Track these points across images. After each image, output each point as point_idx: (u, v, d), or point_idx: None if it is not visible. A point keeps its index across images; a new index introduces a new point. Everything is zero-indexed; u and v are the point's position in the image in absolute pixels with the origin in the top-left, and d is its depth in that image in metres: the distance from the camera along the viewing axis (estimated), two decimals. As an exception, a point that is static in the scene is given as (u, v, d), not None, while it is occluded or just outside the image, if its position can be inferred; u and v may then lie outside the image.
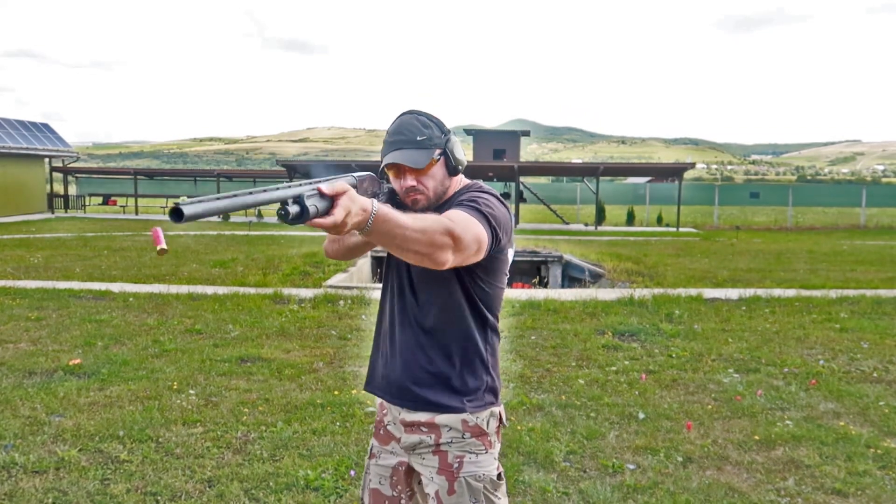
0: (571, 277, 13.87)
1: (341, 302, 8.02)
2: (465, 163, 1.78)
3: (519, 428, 4.11)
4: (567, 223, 25.59)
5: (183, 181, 32.33)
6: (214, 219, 26.12)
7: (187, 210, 1.06)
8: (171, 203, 30.13)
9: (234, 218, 26.42)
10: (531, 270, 14.34)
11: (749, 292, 8.72)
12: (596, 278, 12.34)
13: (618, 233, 21.42)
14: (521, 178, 25.67)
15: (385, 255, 1.86)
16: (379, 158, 1.81)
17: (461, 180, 1.81)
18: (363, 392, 1.90)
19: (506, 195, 23.57)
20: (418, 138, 1.69)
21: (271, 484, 3.34)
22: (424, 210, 1.70)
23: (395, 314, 1.81)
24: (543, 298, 8.18)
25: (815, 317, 7.44)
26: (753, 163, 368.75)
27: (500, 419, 1.83)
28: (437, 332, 1.74)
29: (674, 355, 5.81)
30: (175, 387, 4.83)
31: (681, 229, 22.86)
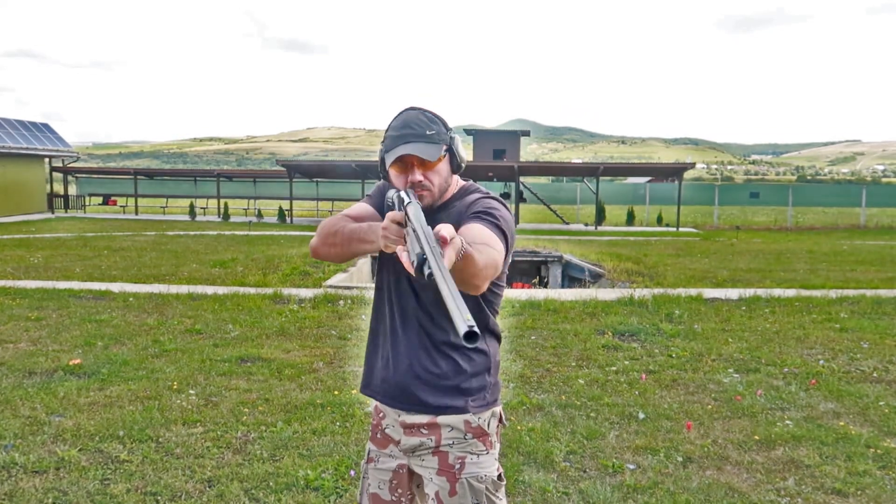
0: (571, 277, 13.87)
1: (341, 302, 8.02)
2: (466, 162, 1.78)
3: (519, 428, 4.10)
4: (567, 223, 25.59)
5: (183, 181, 32.32)
6: (215, 218, 26.13)
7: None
8: (170, 203, 30.14)
9: (233, 218, 26.43)
10: (531, 270, 14.33)
11: (749, 292, 8.72)
12: (596, 278, 12.35)
13: (618, 233, 21.41)
14: (521, 178, 25.67)
15: (379, 254, 1.82)
16: (378, 158, 1.80)
17: (458, 180, 1.81)
18: (361, 394, 1.87)
19: (506, 195, 23.58)
20: (427, 133, 1.67)
21: (271, 484, 3.34)
22: (428, 207, 1.69)
23: (395, 316, 1.77)
24: (543, 298, 8.18)
25: (815, 317, 7.44)
26: (753, 163, 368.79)
27: (500, 419, 1.82)
28: (442, 333, 1.73)
29: (674, 355, 5.81)
30: (175, 387, 4.83)
31: (681, 229, 22.87)
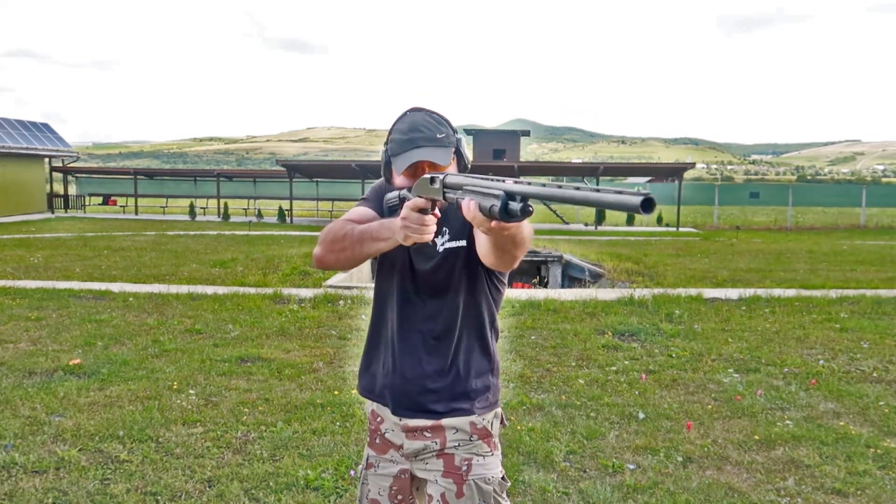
0: (571, 277, 13.87)
1: (341, 302, 8.02)
2: (470, 162, 1.77)
3: (519, 428, 4.10)
4: (567, 223, 25.61)
5: (183, 181, 32.30)
6: (215, 218, 26.13)
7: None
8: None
9: (233, 218, 26.43)
10: (531, 270, 14.32)
11: (749, 292, 8.72)
12: (596, 278, 12.34)
13: (618, 233, 21.41)
14: (522, 178, 25.65)
15: (379, 257, 1.80)
16: (379, 159, 1.77)
17: None
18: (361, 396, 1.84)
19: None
20: (437, 136, 1.65)
21: (271, 484, 3.34)
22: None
23: (398, 321, 1.74)
24: (543, 298, 8.18)
25: (815, 317, 7.44)
26: (753, 163, 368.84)
27: (502, 420, 1.81)
28: (448, 335, 1.70)
29: (674, 355, 5.81)
30: (175, 387, 4.83)
31: (681, 229, 22.87)
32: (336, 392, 4.74)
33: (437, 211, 1.48)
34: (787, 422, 4.25)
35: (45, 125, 28.87)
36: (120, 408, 4.38)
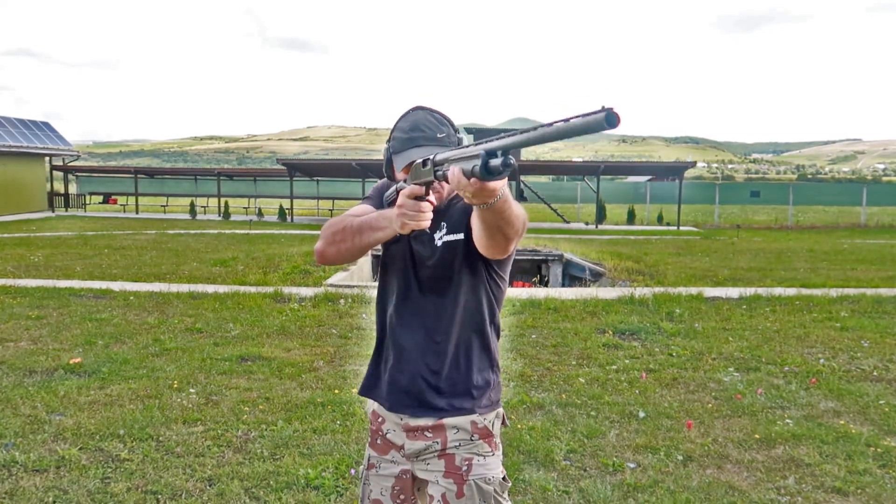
0: (572, 276, 13.87)
1: (342, 300, 8.02)
2: None
3: (519, 426, 4.11)
4: (568, 222, 25.58)
5: (183, 180, 32.33)
6: (215, 217, 26.14)
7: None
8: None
9: (234, 216, 26.44)
10: (532, 269, 14.32)
11: (749, 291, 8.72)
12: (596, 277, 12.34)
13: (618, 231, 21.40)
14: (522, 177, 25.68)
15: (381, 257, 1.81)
16: (381, 157, 1.77)
17: None
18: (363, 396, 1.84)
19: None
20: (439, 136, 1.66)
21: (272, 482, 3.35)
22: (433, 211, 1.68)
23: (399, 318, 1.74)
24: (544, 297, 8.18)
25: (815, 315, 7.43)
26: (754, 161, 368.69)
27: (503, 420, 1.81)
28: (450, 332, 1.70)
29: (674, 354, 5.81)
30: (175, 385, 4.83)
31: (681, 228, 22.85)
32: (336, 391, 4.74)
33: (431, 197, 1.48)
34: (788, 420, 4.25)
35: (46, 124, 28.87)
36: (120, 406, 4.38)
